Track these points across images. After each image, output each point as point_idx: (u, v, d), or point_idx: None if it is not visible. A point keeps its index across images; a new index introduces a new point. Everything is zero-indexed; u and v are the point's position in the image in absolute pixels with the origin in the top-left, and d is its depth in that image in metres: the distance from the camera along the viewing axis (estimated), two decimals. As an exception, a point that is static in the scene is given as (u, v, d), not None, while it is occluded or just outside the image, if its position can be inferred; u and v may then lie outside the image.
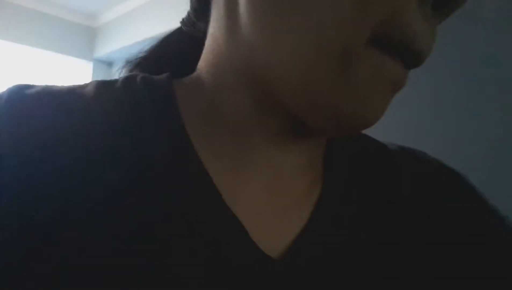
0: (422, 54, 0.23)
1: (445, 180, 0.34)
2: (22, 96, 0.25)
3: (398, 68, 0.23)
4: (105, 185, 0.24)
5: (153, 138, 0.26)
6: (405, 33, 0.21)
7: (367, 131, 0.29)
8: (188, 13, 0.32)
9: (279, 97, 0.25)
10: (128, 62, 0.35)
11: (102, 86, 0.28)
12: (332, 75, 0.22)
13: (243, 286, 0.24)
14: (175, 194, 0.25)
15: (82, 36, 2.99)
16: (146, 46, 0.36)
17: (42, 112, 0.25)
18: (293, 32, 0.23)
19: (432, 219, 0.31)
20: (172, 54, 0.35)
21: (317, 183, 0.30)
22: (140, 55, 0.35)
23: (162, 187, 0.25)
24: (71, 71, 3.01)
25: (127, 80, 0.29)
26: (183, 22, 0.33)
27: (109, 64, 3.16)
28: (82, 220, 0.22)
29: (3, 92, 0.26)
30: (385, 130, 0.42)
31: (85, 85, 0.28)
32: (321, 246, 0.27)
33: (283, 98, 0.25)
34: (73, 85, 0.28)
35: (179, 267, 0.23)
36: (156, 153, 0.25)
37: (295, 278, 0.25)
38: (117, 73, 0.34)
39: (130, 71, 0.35)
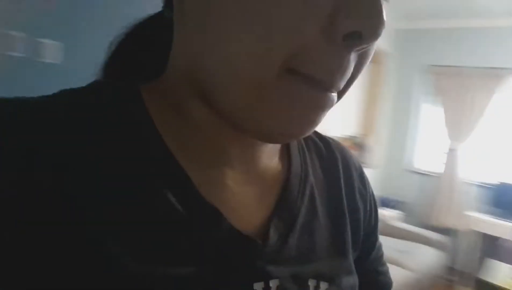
0: (334, 83, 0.26)
1: (361, 175, 0.44)
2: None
3: (315, 93, 0.26)
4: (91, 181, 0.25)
5: (127, 141, 0.28)
6: (313, 67, 0.24)
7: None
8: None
9: (219, 110, 0.28)
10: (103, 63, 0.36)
11: (71, 96, 0.29)
12: (252, 103, 0.26)
13: (225, 263, 0.28)
14: (157, 191, 0.27)
15: None
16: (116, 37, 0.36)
17: (20, 132, 0.25)
18: (217, 62, 0.26)
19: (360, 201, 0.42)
20: (145, 48, 0.36)
21: (281, 165, 0.36)
22: (112, 50, 0.36)
23: (142, 186, 0.27)
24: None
25: (94, 88, 0.30)
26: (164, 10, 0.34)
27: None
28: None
29: None
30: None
31: (56, 96, 0.29)
32: (289, 221, 0.33)
33: (222, 112, 0.28)
34: (44, 98, 0.28)
35: (167, 253, 0.26)
36: (132, 155, 0.27)
37: (272, 252, 0.30)
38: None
39: (104, 71, 0.36)
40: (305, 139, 0.40)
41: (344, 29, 0.24)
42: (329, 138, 0.44)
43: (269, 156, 0.35)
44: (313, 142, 0.42)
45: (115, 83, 0.31)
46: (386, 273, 0.46)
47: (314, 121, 0.27)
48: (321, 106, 0.27)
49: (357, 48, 0.25)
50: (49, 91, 0.29)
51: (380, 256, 0.46)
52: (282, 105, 0.26)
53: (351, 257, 0.38)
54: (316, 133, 0.42)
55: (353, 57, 0.26)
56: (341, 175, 0.41)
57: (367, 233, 0.42)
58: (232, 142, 0.31)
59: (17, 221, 0.23)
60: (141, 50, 0.36)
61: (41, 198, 0.23)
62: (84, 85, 0.30)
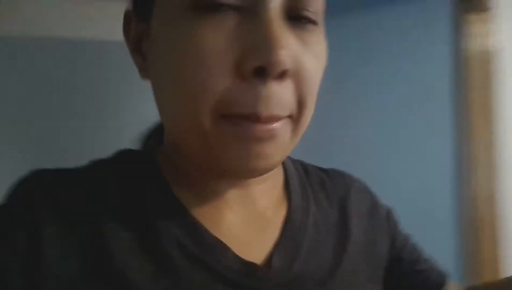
0: (264, 113, 0.29)
1: (369, 197, 0.49)
2: (46, 181, 0.34)
3: (252, 128, 0.29)
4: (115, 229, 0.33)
5: (145, 193, 0.35)
6: (238, 106, 0.29)
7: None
8: None
9: (189, 160, 0.35)
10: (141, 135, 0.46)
11: (101, 164, 0.38)
12: (204, 149, 0.31)
13: (233, 288, 0.33)
14: (171, 230, 0.33)
15: None
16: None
17: (64, 191, 0.34)
18: (167, 121, 0.35)
19: (367, 230, 0.45)
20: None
21: (282, 201, 0.41)
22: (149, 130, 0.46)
23: (159, 228, 0.33)
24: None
25: (118, 155, 0.39)
26: None
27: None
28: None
29: (30, 177, 0.34)
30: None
31: (90, 165, 0.38)
32: (293, 249, 0.37)
33: (192, 161, 0.35)
34: (80, 167, 0.37)
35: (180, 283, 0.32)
36: (151, 205, 0.34)
37: (277, 277, 0.34)
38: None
39: (144, 140, 0.46)
40: (307, 174, 0.45)
41: (249, 67, 0.28)
42: (334, 170, 0.49)
43: (267, 194, 0.40)
44: (317, 175, 0.46)
45: (135, 150, 0.40)
46: (429, 269, 0.48)
47: (264, 152, 0.30)
48: (262, 138, 0.30)
49: (273, 77, 0.28)
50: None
51: (416, 257, 0.48)
52: (227, 146, 0.30)
53: (364, 281, 0.41)
54: (319, 168, 0.48)
55: (285, 84, 0.30)
56: (348, 204, 0.44)
57: (396, 252, 0.46)
58: (226, 188, 0.37)
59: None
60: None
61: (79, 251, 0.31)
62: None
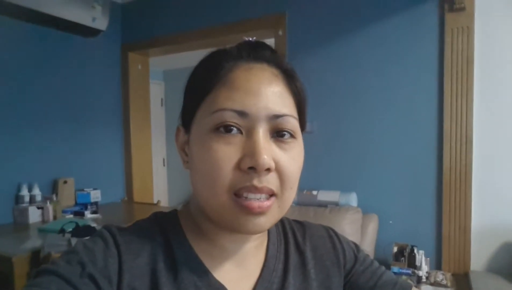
0: (259, 192, 0.43)
1: (329, 238, 0.62)
2: (115, 230, 0.49)
3: (249, 205, 0.43)
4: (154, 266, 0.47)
5: (172, 245, 0.49)
6: (241, 187, 0.43)
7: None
8: None
9: (217, 223, 0.48)
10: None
11: (147, 222, 0.52)
12: (223, 216, 0.45)
13: None
14: (187, 275, 0.47)
15: None
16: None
17: (130, 238, 0.48)
18: (198, 197, 0.48)
19: (331, 263, 0.59)
20: None
21: (263, 251, 0.55)
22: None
23: (181, 272, 0.47)
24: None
25: (154, 216, 0.54)
26: None
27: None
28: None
29: (105, 230, 0.49)
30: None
31: (144, 223, 0.53)
32: (269, 288, 0.52)
33: (219, 225, 0.48)
34: (133, 224, 0.52)
35: None
36: (176, 255, 0.48)
37: None
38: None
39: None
40: (284, 228, 0.60)
41: (245, 166, 0.42)
42: (306, 223, 0.63)
43: (256, 246, 0.54)
44: (291, 228, 0.61)
45: (164, 212, 0.55)
46: (387, 281, 0.60)
47: (259, 223, 0.45)
48: (258, 213, 0.44)
49: (261, 171, 0.43)
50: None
51: (375, 276, 0.60)
52: (236, 216, 0.44)
53: None
54: (295, 220, 0.63)
55: (271, 174, 0.44)
56: (308, 251, 0.58)
57: (352, 274, 0.59)
58: (230, 241, 0.51)
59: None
60: None
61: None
62: None
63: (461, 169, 1.82)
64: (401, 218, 1.97)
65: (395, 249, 1.83)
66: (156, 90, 4.60)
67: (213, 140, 0.44)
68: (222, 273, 0.49)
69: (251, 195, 0.43)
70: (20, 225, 2.14)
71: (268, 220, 0.45)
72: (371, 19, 2.03)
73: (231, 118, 0.44)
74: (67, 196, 2.48)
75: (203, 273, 0.48)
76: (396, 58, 1.97)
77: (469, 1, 1.79)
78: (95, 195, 2.59)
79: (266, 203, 0.44)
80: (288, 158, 0.45)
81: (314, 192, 2.09)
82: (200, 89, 0.47)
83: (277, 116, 0.45)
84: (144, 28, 2.86)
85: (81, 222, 1.88)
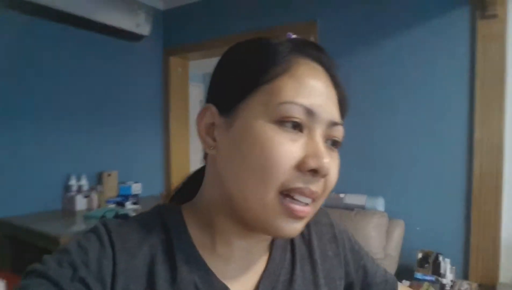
0: (310, 197, 0.42)
1: (330, 227, 0.60)
2: (112, 226, 0.45)
3: (295, 208, 0.41)
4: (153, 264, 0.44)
5: (173, 243, 0.46)
6: (295, 189, 0.41)
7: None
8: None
9: (245, 221, 0.45)
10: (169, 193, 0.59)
11: (149, 216, 0.49)
12: (264, 216, 0.42)
13: None
14: (188, 275, 0.44)
15: None
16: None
17: (127, 236, 0.45)
18: (239, 194, 0.43)
19: (334, 258, 0.58)
20: (194, 183, 0.56)
21: (266, 254, 0.52)
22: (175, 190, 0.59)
23: (183, 271, 0.44)
24: None
25: (157, 210, 0.50)
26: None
27: None
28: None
29: (100, 225, 0.46)
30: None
31: (141, 216, 0.50)
32: (273, 280, 0.50)
33: (248, 223, 0.45)
34: (135, 217, 0.50)
35: None
36: (177, 254, 0.45)
37: None
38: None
39: (172, 196, 0.58)
40: None
41: (308, 167, 0.41)
42: None
43: (261, 243, 0.51)
44: None
45: (168, 205, 0.51)
46: (384, 280, 0.64)
47: (297, 227, 0.43)
48: (299, 217, 0.42)
49: (321, 176, 0.42)
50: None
51: (374, 271, 0.63)
52: (277, 216, 0.42)
53: None
54: None
55: (322, 180, 0.43)
56: (314, 239, 0.57)
57: (350, 268, 0.60)
58: (239, 239, 0.48)
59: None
60: (189, 184, 0.58)
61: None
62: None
63: (491, 178, 1.79)
64: (428, 225, 1.97)
65: (420, 255, 1.83)
66: (196, 92, 4.79)
67: (277, 133, 0.41)
68: (226, 272, 0.47)
69: (301, 198, 0.41)
70: (67, 211, 2.35)
71: (303, 225, 0.44)
72: (400, 27, 2.04)
73: (299, 114, 0.41)
74: (110, 187, 2.68)
75: (205, 273, 0.45)
76: (426, 65, 1.97)
77: (501, 9, 1.76)
78: (136, 188, 2.78)
79: (308, 208, 0.43)
80: (334, 165, 0.45)
81: (342, 195, 2.13)
82: (259, 73, 0.43)
83: (335, 124, 0.44)
84: (185, 33, 3.02)
85: (120, 211, 2.06)
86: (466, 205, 1.87)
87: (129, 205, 2.49)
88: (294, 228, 0.43)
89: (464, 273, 1.87)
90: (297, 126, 0.41)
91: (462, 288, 1.72)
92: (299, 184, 0.41)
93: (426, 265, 1.81)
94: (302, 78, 0.43)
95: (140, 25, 2.73)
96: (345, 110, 0.48)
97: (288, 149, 0.40)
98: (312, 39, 2.34)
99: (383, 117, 2.11)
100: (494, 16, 1.78)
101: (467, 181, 1.86)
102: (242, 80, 0.45)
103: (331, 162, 0.43)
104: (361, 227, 1.87)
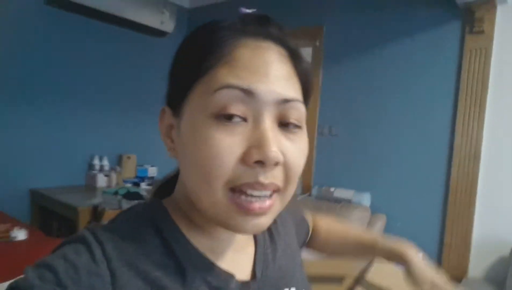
0: (262, 189, 0.39)
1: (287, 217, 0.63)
2: (103, 235, 0.40)
3: (249, 206, 0.38)
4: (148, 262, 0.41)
5: (171, 245, 0.43)
6: (243, 183, 0.38)
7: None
8: None
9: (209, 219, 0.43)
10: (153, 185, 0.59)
11: (137, 219, 0.45)
12: (218, 213, 0.40)
13: None
14: (195, 273, 0.42)
15: None
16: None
17: (121, 245, 0.40)
18: (191, 192, 0.42)
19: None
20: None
21: (251, 240, 0.53)
22: (157, 184, 0.56)
23: (189, 272, 0.42)
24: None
25: (142, 210, 0.46)
26: None
27: None
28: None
29: (87, 233, 0.40)
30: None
31: (126, 218, 0.45)
32: (264, 262, 0.51)
33: (211, 221, 0.43)
34: (121, 220, 0.45)
35: None
36: (178, 254, 0.42)
37: (259, 282, 0.48)
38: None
39: (154, 191, 0.55)
40: None
41: (253, 159, 0.37)
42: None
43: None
44: None
45: (152, 204, 0.47)
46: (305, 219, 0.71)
47: (259, 224, 0.40)
48: (258, 214, 0.39)
49: (269, 166, 0.38)
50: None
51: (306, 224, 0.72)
52: (232, 215, 0.39)
53: (303, 270, 0.59)
54: None
55: (277, 167, 0.39)
56: (281, 228, 0.59)
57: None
58: (223, 233, 0.47)
59: None
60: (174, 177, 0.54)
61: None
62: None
63: (467, 182, 1.94)
64: (408, 221, 2.13)
65: (396, 248, 2.01)
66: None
67: (213, 128, 0.38)
68: (225, 262, 0.46)
69: (255, 192, 0.39)
70: (89, 187, 2.67)
71: (269, 219, 0.41)
72: (397, 36, 2.20)
73: (237, 101, 0.38)
74: (129, 169, 2.98)
75: (210, 266, 0.44)
76: (418, 72, 2.12)
77: (488, 25, 1.89)
78: (152, 171, 3.06)
79: (268, 202, 0.40)
80: (295, 150, 0.41)
81: (332, 189, 2.32)
82: (196, 66, 0.40)
83: (286, 101, 0.40)
84: None
85: (132, 189, 2.34)
86: (443, 205, 2.03)
87: (143, 186, 2.77)
88: (255, 224, 0.40)
89: (437, 268, 2.03)
90: (235, 117, 0.38)
91: (430, 280, 1.89)
92: (247, 179, 0.38)
93: (401, 257, 1.98)
94: (241, 61, 0.39)
95: (164, 22, 2.98)
96: (306, 85, 0.44)
97: (228, 144, 0.37)
98: (317, 43, 2.53)
99: (375, 119, 2.28)
100: (481, 32, 1.91)
101: (445, 183, 2.02)
102: (182, 76, 0.42)
103: (288, 147, 0.40)
104: (343, 219, 2.06)
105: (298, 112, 0.41)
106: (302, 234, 0.69)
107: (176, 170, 0.53)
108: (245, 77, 0.38)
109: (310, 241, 0.73)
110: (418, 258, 0.70)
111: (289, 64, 0.42)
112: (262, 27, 0.42)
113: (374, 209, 2.18)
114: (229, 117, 0.38)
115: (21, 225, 1.76)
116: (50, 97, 2.54)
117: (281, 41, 0.42)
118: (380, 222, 2.15)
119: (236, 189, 0.39)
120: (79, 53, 2.68)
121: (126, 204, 2.20)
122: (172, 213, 0.46)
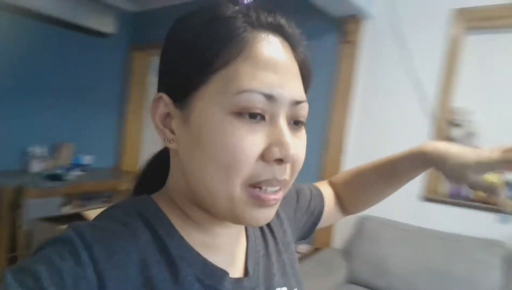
0: (276, 185, 0.41)
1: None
2: (89, 235, 0.38)
3: (266, 198, 0.40)
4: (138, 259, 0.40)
5: (164, 240, 0.42)
6: (261, 179, 0.40)
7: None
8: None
9: (214, 213, 0.44)
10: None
11: (125, 214, 0.43)
12: (230, 209, 0.41)
13: None
14: (188, 270, 0.42)
15: None
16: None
17: (110, 244, 0.39)
18: (201, 186, 0.41)
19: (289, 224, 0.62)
20: (156, 171, 0.53)
21: (243, 236, 0.53)
22: (140, 176, 0.55)
23: (182, 269, 0.42)
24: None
25: (131, 205, 0.45)
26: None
27: None
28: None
29: (76, 233, 0.38)
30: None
31: (114, 214, 0.44)
32: (256, 259, 0.52)
33: (217, 215, 0.44)
34: (108, 216, 0.43)
35: None
36: (172, 250, 0.42)
37: (252, 279, 0.49)
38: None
39: (135, 186, 0.54)
40: None
41: (273, 157, 0.39)
42: None
43: (241, 229, 0.52)
44: None
45: (139, 199, 0.46)
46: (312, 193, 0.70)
47: (269, 214, 0.43)
48: (270, 205, 0.42)
49: (287, 163, 0.41)
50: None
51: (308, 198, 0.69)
52: (247, 208, 0.40)
53: (295, 267, 0.58)
54: None
55: (288, 165, 0.42)
56: (273, 226, 0.58)
57: (298, 221, 0.66)
58: (220, 228, 0.47)
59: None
60: (154, 171, 0.53)
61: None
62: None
63: (335, 167, 2.30)
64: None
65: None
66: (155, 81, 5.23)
67: (235, 125, 0.38)
68: (219, 257, 0.46)
69: (271, 188, 0.41)
70: (23, 172, 2.90)
71: (274, 211, 0.44)
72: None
73: (259, 103, 0.39)
74: (66, 157, 3.23)
75: (203, 264, 0.44)
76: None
77: (354, 36, 2.28)
78: (86, 159, 3.34)
79: (280, 194, 0.42)
80: (301, 146, 0.43)
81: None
82: (211, 56, 0.40)
83: (299, 102, 0.42)
84: (150, 33, 3.48)
85: (55, 172, 2.65)
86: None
87: (76, 172, 3.04)
88: (267, 215, 0.42)
89: (310, 240, 2.39)
90: (257, 116, 0.39)
91: (300, 249, 2.24)
92: (267, 176, 0.40)
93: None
94: (259, 59, 0.39)
95: (106, 24, 3.25)
96: (308, 81, 0.46)
97: (250, 142, 0.38)
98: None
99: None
100: (349, 41, 2.28)
101: (320, 168, 2.37)
102: (194, 65, 0.41)
103: (297, 144, 0.42)
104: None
105: (305, 111, 0.43)
106: (304, 207, 0.68)
107: (155, 163, 0.54)
108: (266, 80, 0.39)
109: (336, 200, 0.76)
110: (442, 145, 0.61)
111: (294, 59, 0.43)
112: (274, 18, 0.42)
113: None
114: (251, 116, 0.39)
115: None
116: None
117: (288, 37, 0.43)
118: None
119: (254, 186, 0.40)
120: (19, 50, 2.92)
121: (48, 184, 2.50)
122: (164, 208, 0.45)
